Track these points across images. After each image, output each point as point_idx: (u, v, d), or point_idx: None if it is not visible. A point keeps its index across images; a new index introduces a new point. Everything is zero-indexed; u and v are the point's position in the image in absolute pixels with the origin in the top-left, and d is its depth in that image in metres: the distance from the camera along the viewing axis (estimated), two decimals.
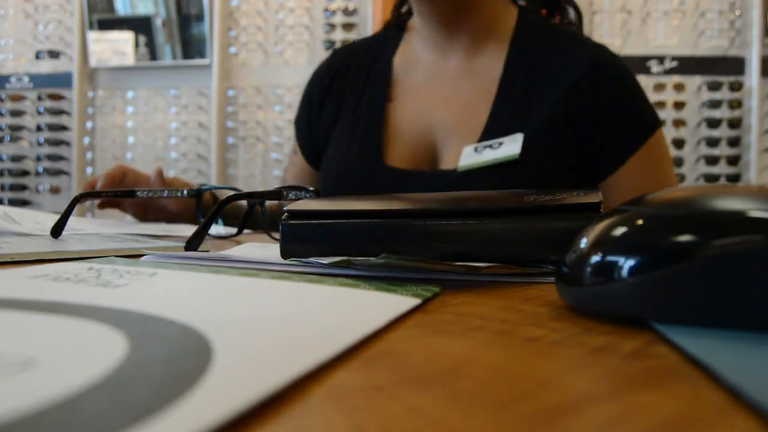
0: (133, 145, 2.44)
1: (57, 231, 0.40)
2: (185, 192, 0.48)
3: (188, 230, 0.54)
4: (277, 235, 0.46)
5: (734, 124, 2.20)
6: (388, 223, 0.29)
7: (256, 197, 0.44)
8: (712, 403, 0.11)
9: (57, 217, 0.42)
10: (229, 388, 0.10)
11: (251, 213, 0.49)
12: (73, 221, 0.56)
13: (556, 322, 0.17)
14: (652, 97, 2.21)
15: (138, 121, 2.44)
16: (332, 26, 2.22)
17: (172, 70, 2.40)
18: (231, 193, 0.39)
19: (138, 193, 0.45)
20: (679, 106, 2.21)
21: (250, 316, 0.16)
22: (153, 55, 2.40)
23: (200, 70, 2.31)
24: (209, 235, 0.49)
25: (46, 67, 2.48)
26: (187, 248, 0.33)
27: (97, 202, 0.63)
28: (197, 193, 0.50)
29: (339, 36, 2.22)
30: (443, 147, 0.65)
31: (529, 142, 0.59)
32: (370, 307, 0.18)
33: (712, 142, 2.21)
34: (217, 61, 2.27)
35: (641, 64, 2.21)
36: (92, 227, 0.53)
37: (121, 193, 0.47)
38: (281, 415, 0.10)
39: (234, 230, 0.52)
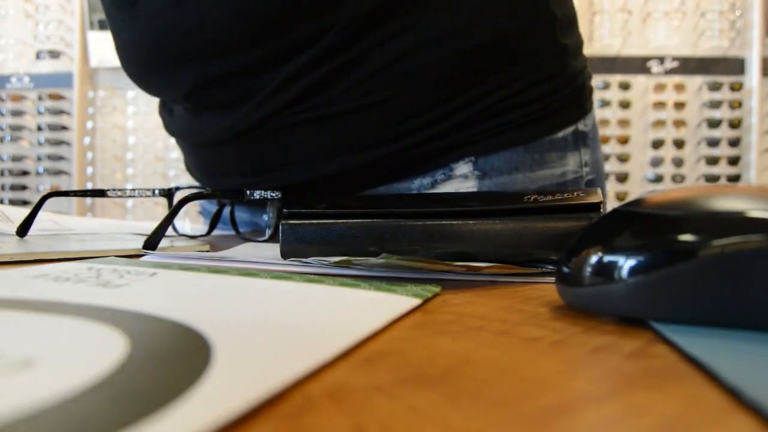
0: (134, 146, 2.44)
1: (23, 230, 0.40)
2: (156, 191, 0.48)
3: (188, 230, 0.54)
4: (246, 236, 0.46)
5: (735, 124, 2.20)
6: (388, 223, 0.29)
7: (219, 197, 0.44)
8: (712, 403, 0.11)
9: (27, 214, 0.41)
10: (229, 388, 0.10)
11: (221, 212, 0.49)
12: (72, 221, 0.56)
13: (556, 322, 0.17)
14: (653, 97, 2.21)
15: (138, 121, 2.44)
16: None
17: None
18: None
19: (108, 193, 0.45)
20: (679, 106, 2.21)
21: (250, 316, 0.16)
22: None
23: None
24: (175, 235, 0.49)
25: (47, 67, 2.48)
26: (145, 247, 0.33)
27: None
28: (168, 193, 0.49)
29: None
30: None
31: None
32: (370, 307, 0.18)
33: (713, 143, 2.21)
34: None
35: (641, 64, 2.20)
36: (92, 227, 0.53)
37: (90, 193, 0.46)
38: (281, 415, 0.10)
39: (204, 229, 0.51)
